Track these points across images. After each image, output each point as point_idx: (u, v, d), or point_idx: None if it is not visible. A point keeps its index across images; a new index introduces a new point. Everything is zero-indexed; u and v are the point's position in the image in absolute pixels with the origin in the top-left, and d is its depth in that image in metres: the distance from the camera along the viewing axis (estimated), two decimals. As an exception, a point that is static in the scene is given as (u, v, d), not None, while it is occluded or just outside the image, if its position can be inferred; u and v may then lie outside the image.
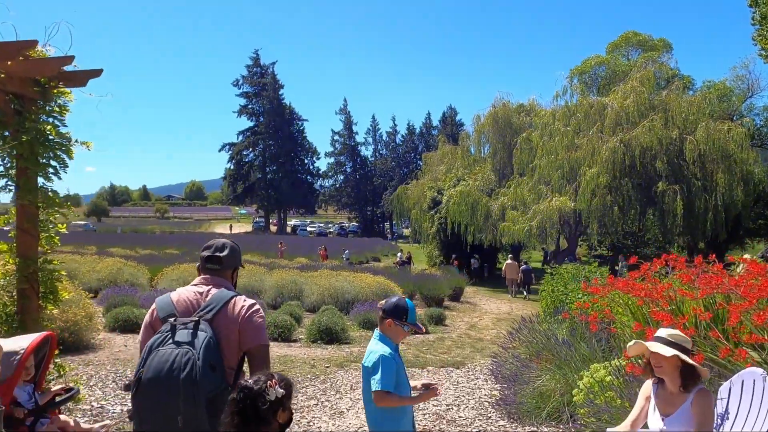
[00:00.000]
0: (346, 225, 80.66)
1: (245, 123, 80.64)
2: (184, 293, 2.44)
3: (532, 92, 47.41)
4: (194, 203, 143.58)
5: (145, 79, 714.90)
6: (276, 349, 8.93)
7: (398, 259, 29.73)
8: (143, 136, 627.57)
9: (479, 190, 26.02)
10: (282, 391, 1.90)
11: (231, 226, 75.05)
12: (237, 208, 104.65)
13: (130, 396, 2.27)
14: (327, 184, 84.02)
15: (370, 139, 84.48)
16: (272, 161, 77.01)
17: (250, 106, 78.85)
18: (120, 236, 45.41)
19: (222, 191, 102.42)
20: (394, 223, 73.47)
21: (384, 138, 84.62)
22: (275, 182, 76.07)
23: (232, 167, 79.26)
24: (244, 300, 2.44)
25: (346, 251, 32.99)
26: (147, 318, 2.44)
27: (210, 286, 2.45)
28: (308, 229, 72.89)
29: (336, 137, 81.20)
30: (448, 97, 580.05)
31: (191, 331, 2.24)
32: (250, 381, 1.92)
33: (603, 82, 28.70)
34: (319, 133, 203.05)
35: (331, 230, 73.97)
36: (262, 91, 77.20)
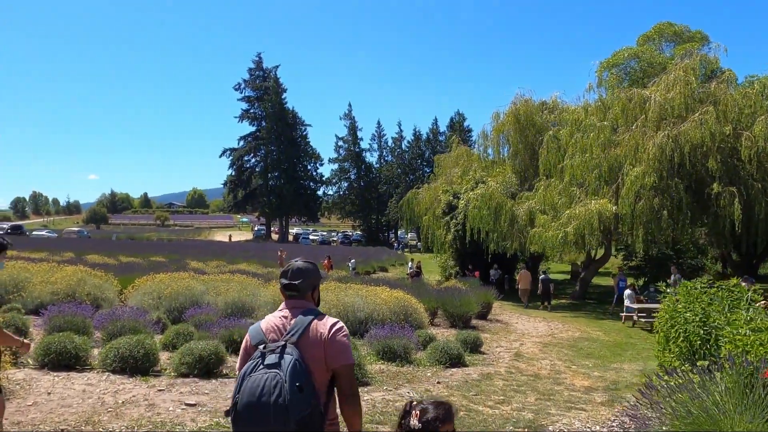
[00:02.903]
0: (350, 233, 77.89)
1: (247, 128, 78.40)
2: (272, 320, 2.52)
3: (551, 91, 44.70)
4: (195, 211, 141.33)
5: (147, 85, 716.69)
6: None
7: (410, 270, 27.12)
8: (146, 144, 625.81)
9: (502, 193, 23.33)
10: (418, 425, 2.00)
11: (230, 236, 72.08)
12: (239, 215, 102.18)
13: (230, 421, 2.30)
14: (330, 191, 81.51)
15: (375, 145, 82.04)
16: (274, 167, 74.36)
17: (251, 111, 76.50)
18: (111, 243, 42.80)
19: (223, 198, 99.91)
20: (400, 231, 70.71)
21: (389, 144, 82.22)
22: (277, 189, 73.47)
23: (233, 173, 76.88)
24: (328, 319, 2.49)
25: (352, 261, 30.57)
26: (243, 346, 2.52)
27: (293, 309, 2.51)
28: (311, 237, 70.27)
29: (340, 143, 78.59)
30: (456, 103, 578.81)
31: (278, 355, 2.30)
32: (414, 403, 2.11)
33: (636, 75, 26.06)
34: (323, 139, 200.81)
35: (335, 239, 71.17)
36: (264, 96, 74.87)
